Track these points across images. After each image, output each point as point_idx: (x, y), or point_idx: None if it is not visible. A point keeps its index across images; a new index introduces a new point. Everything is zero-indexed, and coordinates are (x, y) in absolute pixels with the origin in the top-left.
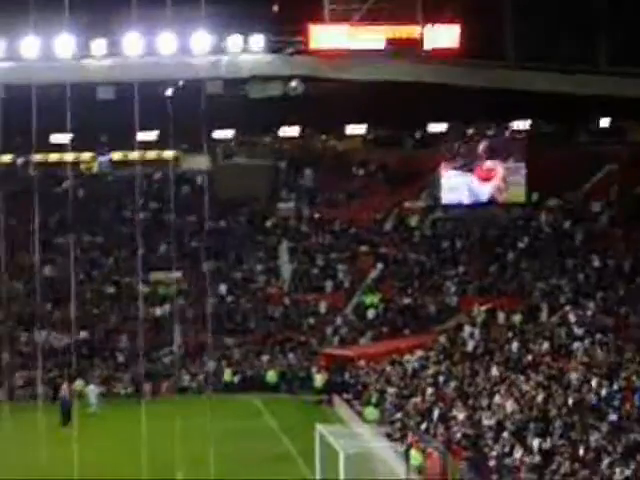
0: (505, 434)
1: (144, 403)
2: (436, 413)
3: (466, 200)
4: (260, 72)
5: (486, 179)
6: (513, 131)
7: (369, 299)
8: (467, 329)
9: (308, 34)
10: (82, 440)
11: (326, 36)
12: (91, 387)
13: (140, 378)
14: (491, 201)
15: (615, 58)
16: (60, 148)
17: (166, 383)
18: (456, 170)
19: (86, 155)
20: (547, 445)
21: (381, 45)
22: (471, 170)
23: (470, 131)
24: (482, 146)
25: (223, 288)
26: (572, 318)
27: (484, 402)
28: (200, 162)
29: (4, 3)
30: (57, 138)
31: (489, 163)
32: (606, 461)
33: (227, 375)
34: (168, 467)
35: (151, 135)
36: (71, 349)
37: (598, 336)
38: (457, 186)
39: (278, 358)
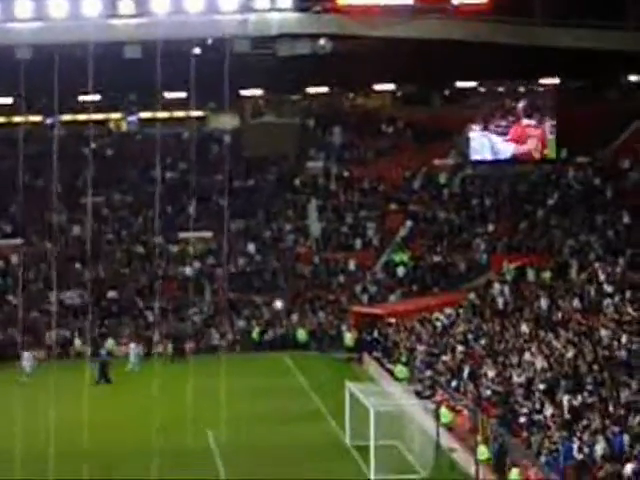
0: (535, 391)
1: (174, 362)
2: (466, 371)
3: (494, 157)
4: (288, 30)
5: (516, 137)
6: (541, 88)
7: (398, 257)
8: (497, 287)
9: None
10: (112, 397)
11: None
12: (132, 346)
13: (170, 337)
14: (520, 158)
15: None
16: (88, 108)
17: (191, 344)
18: (485, 128)
19: (114, 115)
20: (577, 402)
21: (409, 1)
22: (500, 127)
23: (499, 89)
24: (511, 103)
25: (252, 247)
26: (602, 275)
27: (514, 359)
28: (228, 121)
29: None
30: (85, 98)
31: (519, 120)
32: (637, 418)
33: (255, 334)
34: (199, 425)
35: (179, 94)
36: (100, 308)
37: (628, 293)
38: (486, 144)
39: (308, 316)
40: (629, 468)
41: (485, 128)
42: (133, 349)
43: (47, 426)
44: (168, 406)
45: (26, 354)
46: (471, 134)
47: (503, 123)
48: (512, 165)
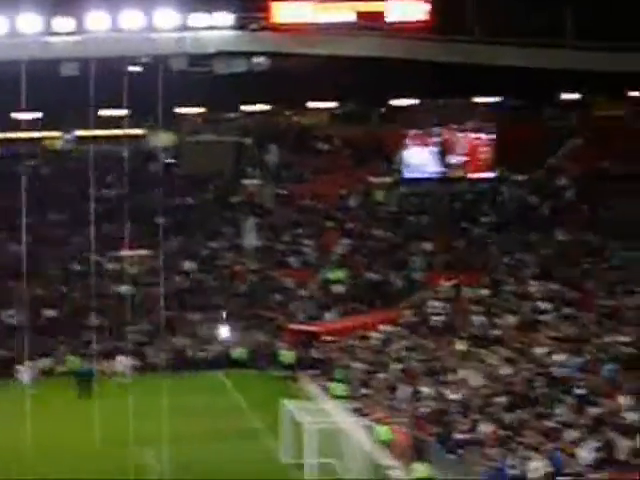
0: (471, 408)
1: (108, 380)
2: (403, 388)
3: (431, 175)
4: (225, 48)
5: (452, 154)
6: (479, 106)
7: (335, 275)
8: (433, 304)
9: (272, 10)
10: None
11: (290, 11)
12: (119, 358)
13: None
14: (456, 176)
15: (581, 32)
16: (24, 125)
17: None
18: (421, 145)
19: (51, 133)
20: (513, 419)
21: (346, 19)
22: (437, 145)
23: (436, 106)
24: (448, 121)
25: (189, 265)
26: (537, 292)
27: (450, 377)
28: (165, 139)
29: None
30: (21, 116)
31: (455, 138)
32: (572, 434)
33: (195, 351)
34: (136, 443)
35: (116, 112)
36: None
37: (563, 310)
38: (422, 161)
39: (245, 334)
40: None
41: (421, 146)
42: (121, 361)
43: None
44: (105, 424)
45: (23, 366)
46: (407, 152)
47: (440, 141)
48: (448, 183)
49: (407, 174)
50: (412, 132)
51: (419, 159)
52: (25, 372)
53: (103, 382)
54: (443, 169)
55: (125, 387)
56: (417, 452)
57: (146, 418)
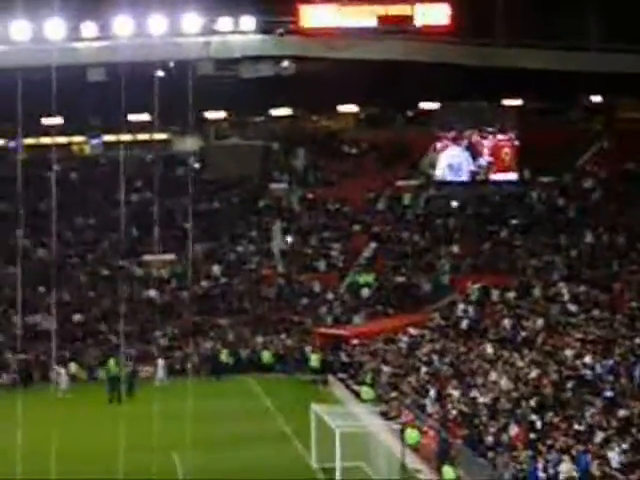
0: (500, 411)
1: (138, 384)
2: (431, 391)
3: (459, 178)
4: (251, 52)
5: (479, 156)
6: (505, 108)
7: (363, 278)
8: (461, 307)
9: (298, 14)
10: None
11: (316, 15)
12: (159, 361)
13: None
14: (484, 179)
15: (606, 34)
16: (51, 131)
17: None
18: (448, 148)
19: (78, 138)
20: (542, 421)
21: (372, 23)
22: (464, 148)
23: (462, 109)
24: (474, 124)
25: (216, 269)
26: (566, 294)
27: (479, 380)
28: (192, 143)
29: None
30: (48, 121)
31: (482, 141)
32: (600, 436)
33: (224, 356)
34: (165, 448)
35: (142, 117)
36: (65, 332)
37: (592, 312)
38: (450, 164)
39: (273, 338)
40: None
41: (448, 149)
42: (160, 364)
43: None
44: (133, 429)
45: (62, 370)
46: (434, 155)
47: (466, 144)
48: (475, 186)
49: (435, 177)
50: (441, 134)
51: (446, 162)
52: (61, 376)
53: (142, 385)
54: (470, 172)
55: (161, 390)
56: (443, 454)
57: (175, 422)
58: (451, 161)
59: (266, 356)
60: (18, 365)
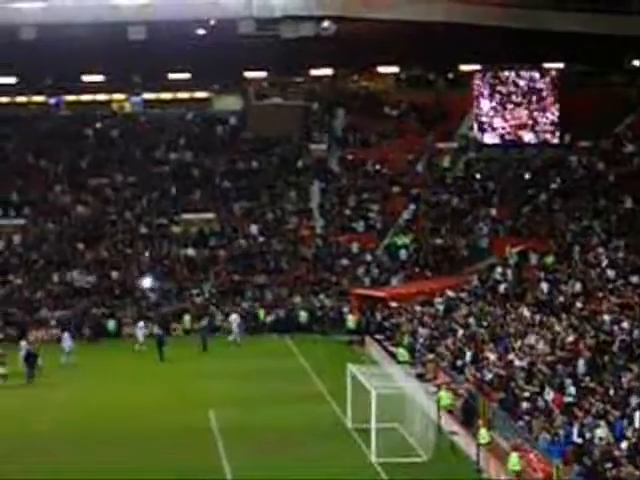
0: (537, 375)
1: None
2: (468, 354)
3: (499, 141)
4: (292, 12)
5: (519, 120)
6: (546, 72)
7: (401, 240)
8: (499, 270)
9: None
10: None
11: None
12: (233, 317)
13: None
14: (524, 142)
15: None
16: (92, 88)
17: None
18: (489, 111)
19: (118, 96)
20: (578, 386)
21: None
22: (504, 111)
23: (503, 72)
24: (515, 86)
25: (255, 229)
26: (604, 259)
27: (516, 343)
28: (232, 102)
29: None
30: (89, 79)
31: (522, 104)
32: (636, 401)
33: (261, 315)
34: (201, 405)
35: (183, 75)
36: (103, 289)
37: (630, 277)
38: (490, 127)
39: (310, 299)
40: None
41: (488, 112)
42: (235, 320)
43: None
44: (170, 386)
45: (140, 323)
46: (478, 115)
47: (506, 107)
48: (515, 149)
49: (475, 140)
50: (479, 98)
51: (486, 125)
52: (140, 330)
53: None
54: (510, 135)
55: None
56: (468, 412)
57: (213, 380)
58: (485, 124)
59: (303, 316)
60: (92, 320)
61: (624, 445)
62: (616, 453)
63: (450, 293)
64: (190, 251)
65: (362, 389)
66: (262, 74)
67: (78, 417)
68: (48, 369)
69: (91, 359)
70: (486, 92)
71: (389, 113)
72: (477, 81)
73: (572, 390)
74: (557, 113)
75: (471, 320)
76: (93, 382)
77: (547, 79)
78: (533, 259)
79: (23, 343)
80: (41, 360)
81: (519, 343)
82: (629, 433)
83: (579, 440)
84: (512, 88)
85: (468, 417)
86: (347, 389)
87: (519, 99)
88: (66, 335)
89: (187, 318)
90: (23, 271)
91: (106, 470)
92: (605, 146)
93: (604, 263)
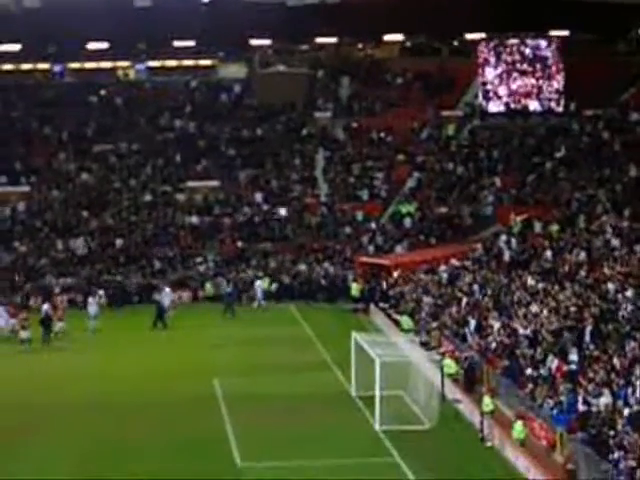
0: (541, 343)
1: (180, 310)
2: (472, 322)
3: (503, 109)
4: None
5: (524, 88)
6: (551, 40)
7: (405, 208)
8: (503, 238)
9: None
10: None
11: None
12: (258, 283)
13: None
14: (529, 110)
15: None
16: (97, 55)
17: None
18: (494, 79)
19: (123, 63)
20: (582, 354)
21: None
22: (509, 79)
23: (509, 40)
24: (520, 55)
25: (259, 197)
26: (609, 228)
27: (520, 311)
28: (237, 70)
29: None
30: (94, 46)
31: (527, 72)
32: None
33: (265, 283)
34: (205, 373)
35: (188, 43)
36: (107, 256)
37: (635, 246)
38: (495, 95)
39: (314, 266)
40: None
41: (493, 80)
42: (259, 286)
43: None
44: (174, 354)
45: (167, 289)
46: (483, 83)
47: (511, 75)
48: (520, 117)
49: (479, 108)
50: (484, 66)
51: (491, 93)
52: (166, 296)
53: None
54: (514, 103)
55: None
56: (468, 376)
57: (217, 348)
58: (490, 92)
59: (308, 284)
60: (112, 287)
61: (627, 412)
62: (619, 421)
63: (454, 261)
64: (194, 219)
65: (366, 357)
66: (267, 42)
67: (92, 388)
68: (71, 334)
69: (114, 325)
70: (491, 60)
71: (394, 81)
72: (482, 49)
73: (575, 358)
74: (562, 81)
75: (475, 288)
76: (111, 350)
77: (552, 47)
78: (537, 227)
79: (45, 306)
80: (63, 325)
81: (523, 311)
82: (632, 401)
83: (583, 408)
84: (517, 56)
85: (470, 383)
86: (351, 357)
87: (524, 67)
88: (91, 300)
89: (208, 285)
90: (27, 239)
91: (105, 440)
92: (610, 114)
93: (609, 231)
